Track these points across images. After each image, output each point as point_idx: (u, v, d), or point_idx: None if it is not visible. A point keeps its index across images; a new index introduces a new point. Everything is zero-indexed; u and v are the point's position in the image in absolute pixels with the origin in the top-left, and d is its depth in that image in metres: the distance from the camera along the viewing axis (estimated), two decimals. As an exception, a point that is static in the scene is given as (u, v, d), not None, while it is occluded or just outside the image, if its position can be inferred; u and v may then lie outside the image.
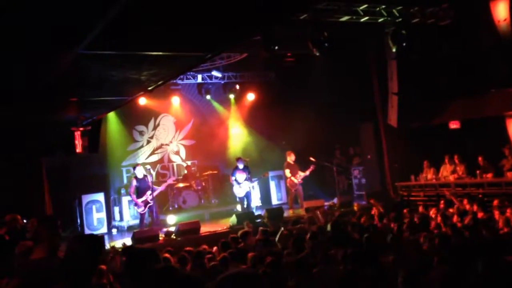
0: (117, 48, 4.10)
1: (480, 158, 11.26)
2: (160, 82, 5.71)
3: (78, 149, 7.45)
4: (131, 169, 14.33)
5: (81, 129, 7.48)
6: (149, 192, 10.88)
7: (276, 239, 8.22)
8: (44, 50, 4.06)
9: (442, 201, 10.50)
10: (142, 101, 13.47)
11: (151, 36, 3.89)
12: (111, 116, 13.55)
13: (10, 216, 6.86)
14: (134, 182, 10.91)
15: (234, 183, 12.43)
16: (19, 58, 4.41)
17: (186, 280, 2.72)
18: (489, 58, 11.07)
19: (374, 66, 13.39)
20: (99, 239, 3.25)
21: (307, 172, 12.71)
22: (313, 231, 7.97)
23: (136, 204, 10.96)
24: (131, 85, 5.61)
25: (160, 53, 4.43)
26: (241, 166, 12.48)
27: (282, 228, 8.65)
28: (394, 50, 11.02)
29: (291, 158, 12.95)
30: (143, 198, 10.87)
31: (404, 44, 10.67)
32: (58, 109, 6.46)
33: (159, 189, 11.37)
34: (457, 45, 11.17)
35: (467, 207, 9.86)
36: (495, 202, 9.27)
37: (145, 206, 10.90)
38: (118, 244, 9.38)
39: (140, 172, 11.02)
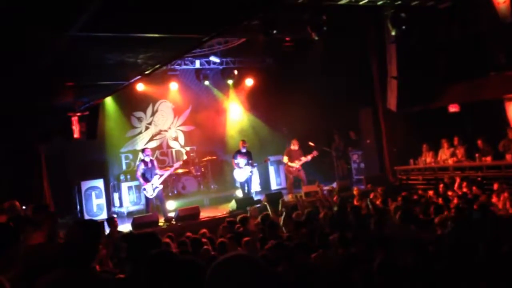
0: (113, 30, 4.03)
1: (479, 141, 11.24)
2: (157, 66, 5.65)
3: (76, 135, 7.39)
4: (130, 155, 14.38)
5: (78, 114, 7.43)
6: (157, 176, 10.71)
7: (281, 223, 8.25)
8: (38, 33, 4.00)
9: (441, 185, 10.51)
10: (140, 87, 13.41)
11: (147, 17, 3.83)
12: (109, 102, 13.50)
13: (8, 203, 6.83)
14: (142, 166, 10.70)
15: (236, 166, 12.40)
16: (13, 42, 4.34)
17: (187, 264, 2.70)
18: (488, 41, 10.98)
19: (373, 50, 13.28)
20: (99, 224, 3.24)
21: (308, 157, 12.67)
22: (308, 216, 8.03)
23: (144, 189, 10.75)
24: (128, 68, 5.56)
25: (156, 35, 4.37)
26: (243, 149, 12.45)
27: (284, 213, 8.68)
28: (393, 33, 10.92)
29: (294, 146, 12.87)
30: (151, 182, 10.66)
31: (403, 27, 10.56)
32: (55, 94, 6.41)
33: (166, 173, 11.13)
34: (456, 27, 11.07)
35: (465, 190, 9.89)
36: (495, 186, 9.28)
37: (153, 191, 10.67)
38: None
39: (148, 155, 10.85)
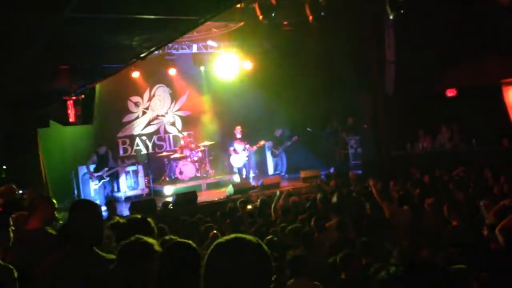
0: (107, 11, 3.98)
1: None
2: (152, 49, 5.59)
3: (71, 119, 7.35)
4: (127, 140, 14.36)
5: (73, 98, 7.37)
6: (106, 169, 11.88)
7: (272, 208, 8.28)
8: (30, 14, 3.93)
9: (437, 170, 10.52)
10: (137, 71, 13.31)
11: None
12: (106, 86, 13.37)
13: (6, 187, 6.81)
14: (94, 157, 11.94)
15: (233, 153, 12.42)
16: (4, 24, 4.28)
17: (180, 246, 2.70)
18: (487, 25, 10.89)
19: (372, 34, 13.18)
20: (97, 204, 3.29)
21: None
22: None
23: (91, 177, 11.92)
24: (123, 51, 5.50)
25: (152, 16, 4.31)
26: (238, 135, 12.46)
27: (277, 196, 8.71)
28: (391, 17, 10.81)
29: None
30: (99, 173, 11.85)
31: (402, 11, 10.46)
32: (49, 77, 6.35)
33: (115, 168, 12.19)
34: (455, 11, 10.99)
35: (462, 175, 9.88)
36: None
37: (99, 181, 11.86)
38: None
39: (102, 149, 12.11)
